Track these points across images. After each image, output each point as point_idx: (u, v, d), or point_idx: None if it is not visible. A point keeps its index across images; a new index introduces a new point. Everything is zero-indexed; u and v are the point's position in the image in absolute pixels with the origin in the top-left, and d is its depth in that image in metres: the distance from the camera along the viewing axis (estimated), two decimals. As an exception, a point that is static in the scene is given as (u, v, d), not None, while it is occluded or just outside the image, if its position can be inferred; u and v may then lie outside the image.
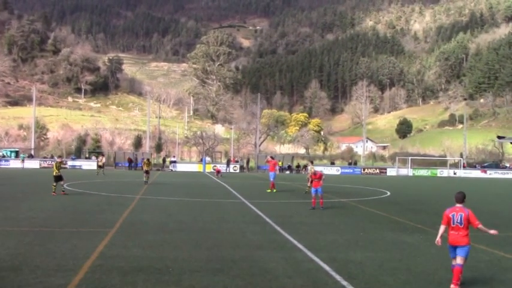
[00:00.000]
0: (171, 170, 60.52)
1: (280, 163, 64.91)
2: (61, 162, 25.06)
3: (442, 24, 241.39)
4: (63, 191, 23.30)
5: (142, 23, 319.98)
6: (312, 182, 20.30)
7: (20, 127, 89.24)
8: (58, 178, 23.02)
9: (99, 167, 48.02)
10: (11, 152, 66.21)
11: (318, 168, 22.86)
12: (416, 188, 37.75)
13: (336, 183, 40.90)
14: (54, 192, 22.85)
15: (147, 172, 32.73)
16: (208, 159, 73.78)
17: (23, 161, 59.85)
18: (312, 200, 19.70)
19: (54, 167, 23.51)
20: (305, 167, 67.32)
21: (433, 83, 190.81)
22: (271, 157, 32.48)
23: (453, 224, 8.10)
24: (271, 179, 28.02)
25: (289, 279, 8.55)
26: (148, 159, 35.63)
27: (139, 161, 57.40)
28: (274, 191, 27.62)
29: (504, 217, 19.54)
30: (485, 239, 12.54)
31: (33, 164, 60.62)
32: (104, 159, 50.59)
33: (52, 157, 65.55)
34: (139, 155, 66.86)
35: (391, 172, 66.86)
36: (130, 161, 63.37)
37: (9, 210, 17.29)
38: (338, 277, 8.70)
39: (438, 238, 8.42)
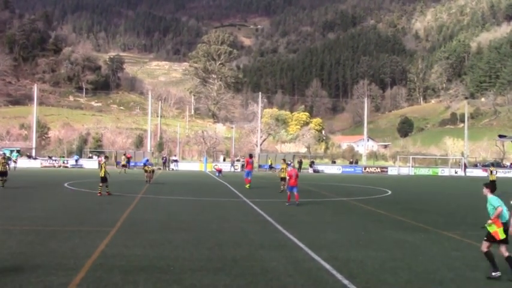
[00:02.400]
0: (172, 169, 60.56)
1: (270, 161, 64.78)
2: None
3: (443, 23, 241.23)
4: (107, 191, 22.83)
5: (144, 22, 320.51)
6: (284, 179, 21.05)
7: (21, 126, 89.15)
8: (104, 179, 22.66)
9: (123, 166, 50.27)
10: (11, 151, 65.92)
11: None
12: (418, 187, 37.69)
13: (337, 182, 40.93)
14: (100, 192, 22.53)
15: (151, 172, 32.55)
16: (220, 158, 74.18)
17: (15, 160, 57.88)
18: (288, 196, 20.60)
19: (102, 168, 22.93)
20: (312, 163, 67.33)
21: (435, 81, 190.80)
22: (250, 155, 33.95)
23: None
24: (249, 176, 29.74)
25: (290, 278, 8.55)
26: (153, 171, 33.13)
27: (143, 160, 57.06)
28: (247, 186, 29.14)
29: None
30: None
31: (33, 163, 60.53)
32: (125, 159, 53.20)
33: (50, 158, 65.22)
34: (139, 154, 66.59)
35: (392, 171, 66.80)
36: (129, 158, 63.25)
37: (10, 210, 17.32)
38: (339, 276, 8.70)
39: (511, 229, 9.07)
